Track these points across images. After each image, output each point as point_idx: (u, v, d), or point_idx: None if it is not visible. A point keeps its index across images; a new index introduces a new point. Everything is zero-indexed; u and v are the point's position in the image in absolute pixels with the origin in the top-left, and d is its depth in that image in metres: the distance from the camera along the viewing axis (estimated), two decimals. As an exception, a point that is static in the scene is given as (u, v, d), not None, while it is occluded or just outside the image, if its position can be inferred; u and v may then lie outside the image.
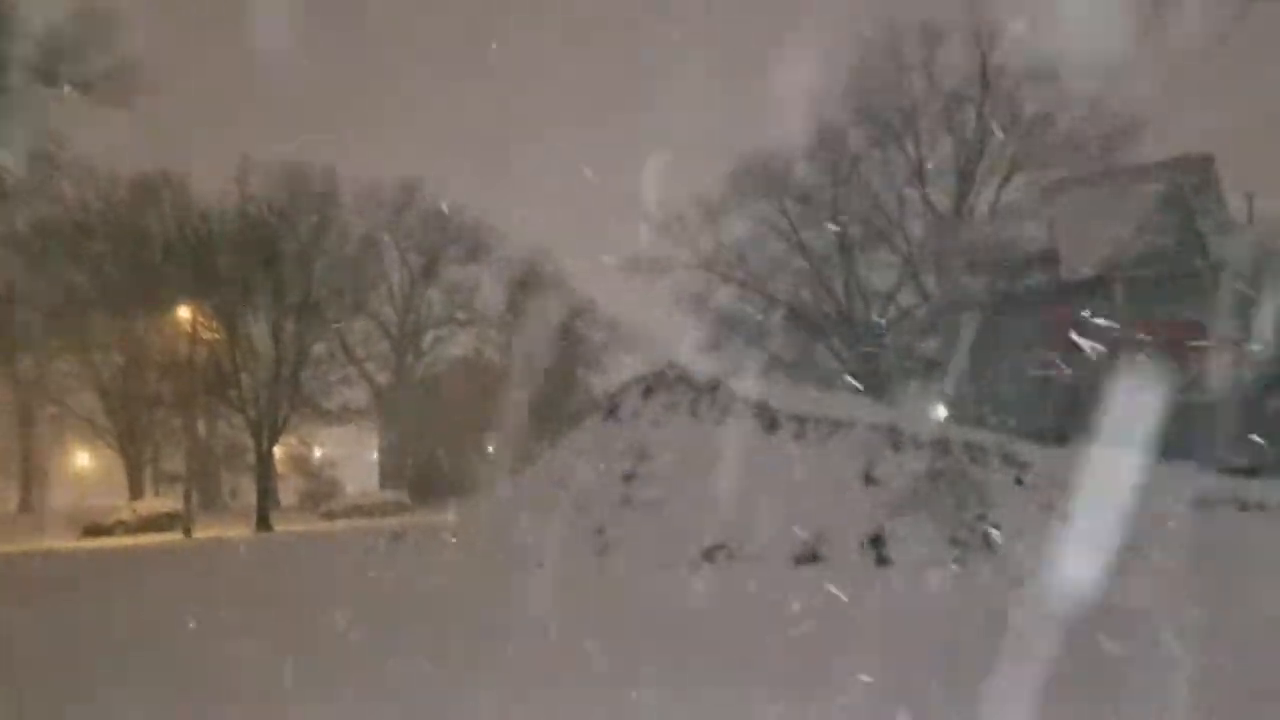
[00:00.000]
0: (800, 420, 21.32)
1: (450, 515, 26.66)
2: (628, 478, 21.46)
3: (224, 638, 12.79)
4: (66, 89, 34.28)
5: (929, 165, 47.40)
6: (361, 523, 40.33)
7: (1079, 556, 15.98)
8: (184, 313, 43.02)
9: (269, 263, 43.72)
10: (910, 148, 47.36)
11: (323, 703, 8.70)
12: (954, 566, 16.75)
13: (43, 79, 34.18)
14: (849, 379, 45.38)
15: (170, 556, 28.49)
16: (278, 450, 50.47)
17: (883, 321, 48.19)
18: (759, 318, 49.93)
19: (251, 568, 23.17)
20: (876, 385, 43.89)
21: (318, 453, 62.24)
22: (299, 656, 11.28)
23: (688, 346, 48.44)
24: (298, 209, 46.95)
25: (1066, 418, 28.78)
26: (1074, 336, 29.96)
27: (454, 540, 22.50)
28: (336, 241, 50.25)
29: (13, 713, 9.06)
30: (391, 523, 32.52)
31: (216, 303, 43.57)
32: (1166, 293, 27.88)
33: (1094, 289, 29.88)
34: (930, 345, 43.38)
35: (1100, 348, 29.16)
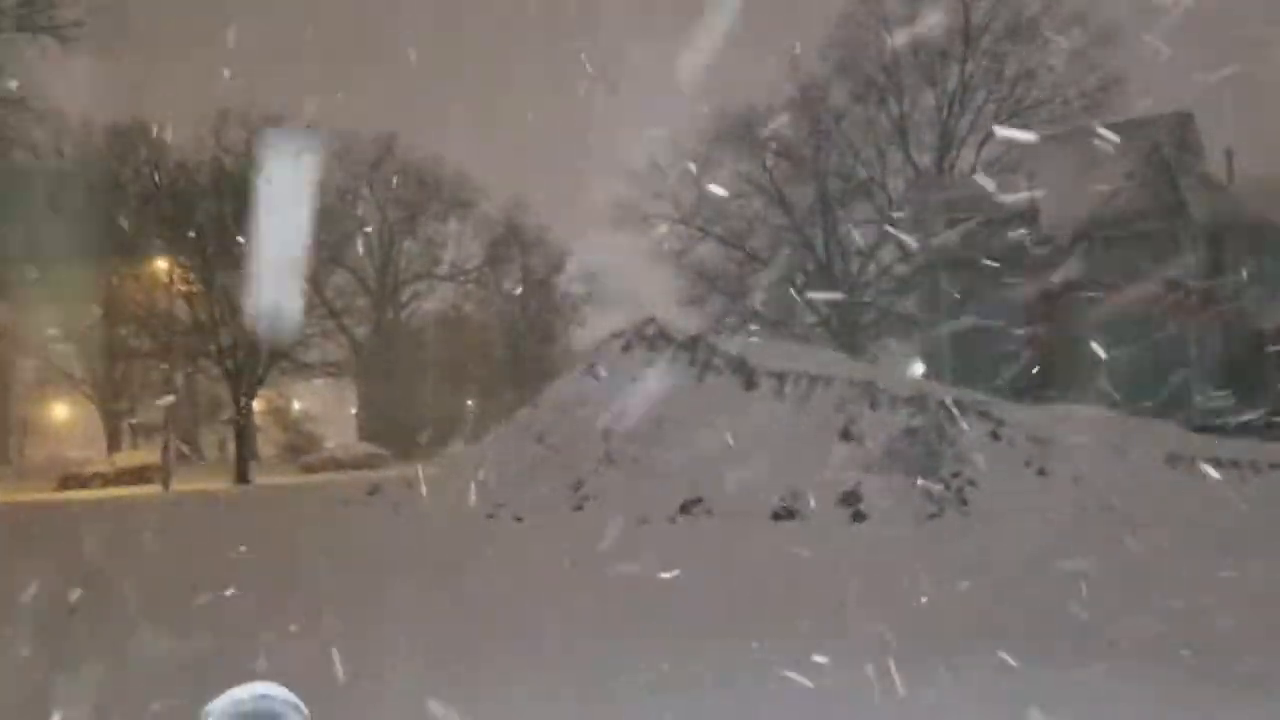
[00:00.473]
0: (779, 376, 21.37)
1: (429, 469, 26.66)
2: (606, 433, 21.49)
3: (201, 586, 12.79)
4: (42, 37, 33.76)
5: (911, 121, 47.30)
6: (340, 476, 40.26)
7: (1052, 512, 16.16)
8: (161, 264, 42.58)
9: (246, 214, 43.26)
10: (892, 104, 47.22)
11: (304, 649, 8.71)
12: (930, 522, 16.89)
13: (17, 26, 33.64)
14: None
15: (147, 508, 28.42)
16: (256, 403, 50.20)
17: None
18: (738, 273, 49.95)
19: (230, 519, 23.10)
20: (855, 342, 44.09)
21: (296, 406, 62.01)
22: (275, 604, 11.30)
23: (667, 301, 48.43)
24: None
25: (1043, 374, 28.99)
26: (1052, 294, 30.16)
27: (432, 494, 22.51)
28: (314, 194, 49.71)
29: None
30: (370, 476, 32.48)
31: (193, 254, 43.13)
32: (1146, 251, 27.98)
33: (1073, 246, 29.98)
34: (909, 302, 43.49)
35: (1077, 305, 29.33)
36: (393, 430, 54.11)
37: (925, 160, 46.99)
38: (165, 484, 38.71)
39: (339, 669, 7.84)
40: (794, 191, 48.12)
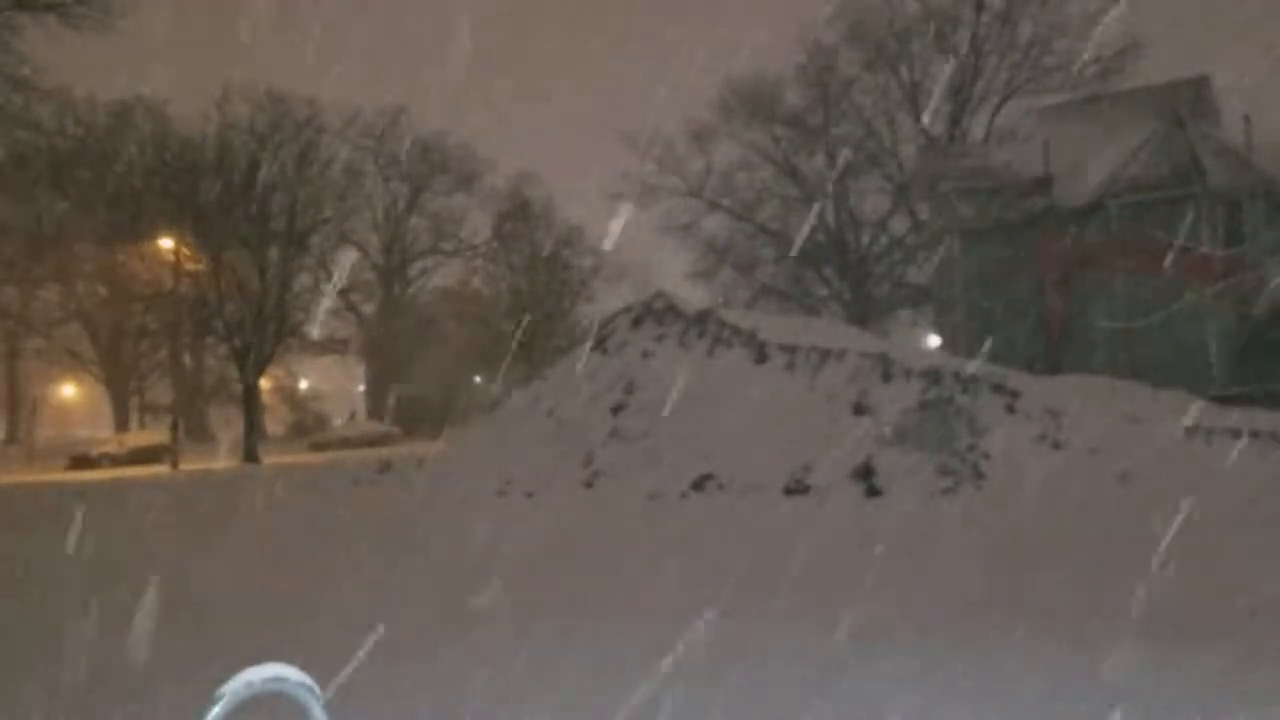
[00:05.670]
0: (790, 350, 21.07)
1: (439, 446, 26.47)
2: (616, 408, 21.25)
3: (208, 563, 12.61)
4: (44, 14, 33.44)
5: (922, 89, 46.74)
6: (349, 454, 40.14)
7: (1069, 485, 15.87)
8: (166, 242, 42.42)
9: (251, 191, 43.00)
10: (903, 71, 46.67)
11: (309, 628, 8.49)
12: (944, 496, 16.60)
13: (19, 4, 33.31)
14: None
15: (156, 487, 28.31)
16: (264, 382, 50.09)
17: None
18: (748, 245, 49.60)
19: (237, 497, 22.94)
20: (867, 314, 43.73)
21: (304, 384, 61.94)
22: (283, 581, 11.13)
23: (677, 275, 48.20)
24: (280, 136, 46.10)
25: (1058, 346, 28.65)
26: (1067, 263, 29.78)
27: (442, 471, 22.30)
28: (320, 169, 49.44)
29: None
30: (380, 453, 32.33)
31: (199, 231, 42.89)
32: (1162, 218, 27.54)
33: (1089, 215, 29.58)
34: (922, 273, 43.12)
35: (1093, 274, 28.96)
36: (401, 407, 54.03)
37: (937, 128, 46.48)
38: (174, 463, 38.62)
39: (355, 646, 7.62)
40: (804, 161, 47.70)
